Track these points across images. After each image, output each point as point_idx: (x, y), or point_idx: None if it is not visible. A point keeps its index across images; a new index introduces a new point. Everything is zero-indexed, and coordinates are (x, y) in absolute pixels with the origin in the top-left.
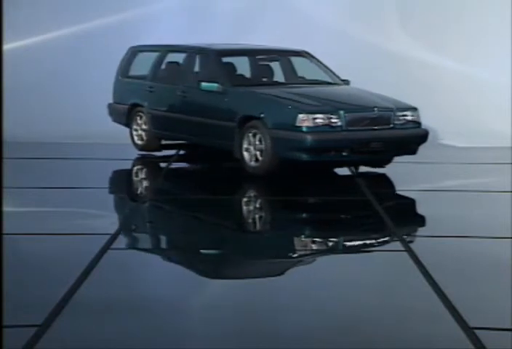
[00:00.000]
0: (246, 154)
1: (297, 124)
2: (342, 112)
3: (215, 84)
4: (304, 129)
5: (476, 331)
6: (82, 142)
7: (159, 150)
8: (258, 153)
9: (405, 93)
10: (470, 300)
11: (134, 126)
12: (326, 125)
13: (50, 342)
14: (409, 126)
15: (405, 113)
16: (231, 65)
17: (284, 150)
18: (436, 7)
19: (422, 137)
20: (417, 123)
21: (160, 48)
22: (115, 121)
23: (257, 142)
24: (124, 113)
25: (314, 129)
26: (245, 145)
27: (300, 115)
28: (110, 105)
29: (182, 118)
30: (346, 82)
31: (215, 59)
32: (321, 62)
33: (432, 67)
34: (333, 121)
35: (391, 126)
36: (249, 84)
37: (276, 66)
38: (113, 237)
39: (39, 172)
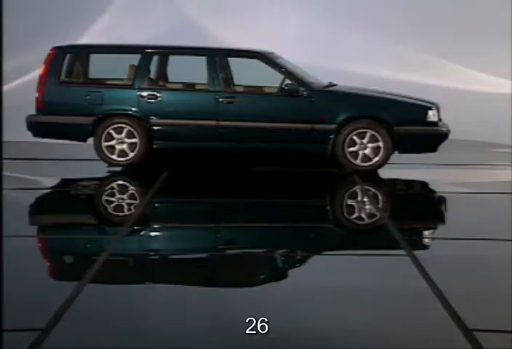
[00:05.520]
0: (350, 155)
1: (428, 120)
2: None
3: (302, 88)
4: (434, 124)
5: (475, 333)
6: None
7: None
8: (368, 151)
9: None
10: (469, 302)
11: (106, 142)
12: (439, 120)
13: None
14: None
15: None
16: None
17: (410, 146)
18: (436, 7)
19: None
20: None
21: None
22: (42, 135)
23: (368, 142)
24: (84, 126)
25: (438, 124)
26: (347, 147)
27: (430, 112)
28: (35, 117)
29: (238, 125)
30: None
31: (274, 62)
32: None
33: (432, 67)
34: (439, 115)
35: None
36: (324, 86)
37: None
38: None
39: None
